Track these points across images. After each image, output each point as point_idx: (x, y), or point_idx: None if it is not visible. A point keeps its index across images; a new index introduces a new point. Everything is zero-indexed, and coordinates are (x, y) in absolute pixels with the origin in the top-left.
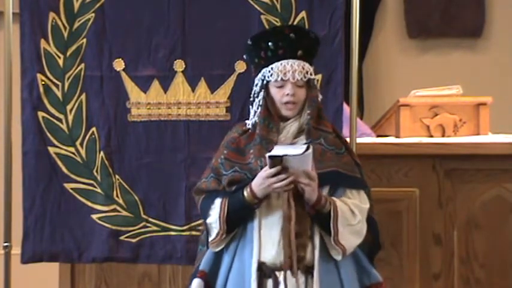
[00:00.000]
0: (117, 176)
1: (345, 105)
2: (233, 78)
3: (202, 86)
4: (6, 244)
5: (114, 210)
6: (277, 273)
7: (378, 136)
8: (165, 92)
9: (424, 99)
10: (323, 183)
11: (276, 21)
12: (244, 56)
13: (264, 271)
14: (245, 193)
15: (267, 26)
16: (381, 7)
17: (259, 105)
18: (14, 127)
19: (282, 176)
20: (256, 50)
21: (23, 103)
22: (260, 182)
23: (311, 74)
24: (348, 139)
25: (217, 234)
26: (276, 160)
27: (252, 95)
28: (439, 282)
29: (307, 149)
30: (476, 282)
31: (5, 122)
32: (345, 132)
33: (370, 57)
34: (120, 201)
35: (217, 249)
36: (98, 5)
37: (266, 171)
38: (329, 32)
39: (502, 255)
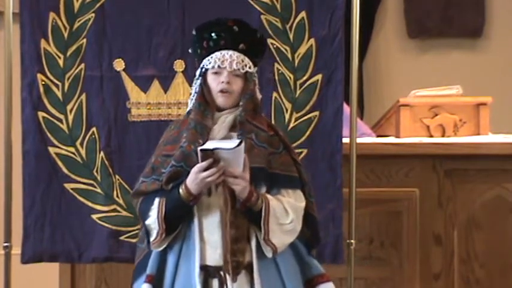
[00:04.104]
0: (117, 176)
1: (345, 105)
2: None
3: None
4: (6, 244)
5: (114, 210)
6: (222, 273)
7: (378, 136)
8: (165, 92)
9: (424, 99)
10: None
11: (276, 21)
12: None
13: (209, 272)
14: (180, 191)
15: (267, 26)
16: (381, 7)
17: (195, 92)
18: (14, 127)
19: (214, 170)
20: (200, 41)
21: (23, 103)
22: (193, 178)
23: (250, 68)
24: (347, 139)
25: (158, 234)
26: (208, 153)
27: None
28: (439, 282)
29: (240, 144)
30: (476, 282)
31: (5, 122)
32: (345, 132)
33: (370, 57)
34: (120, 201)
35: (159, 249)
36: (98, 5)
37: (198, 165)
38: (329, 32)
39: (502, 255)
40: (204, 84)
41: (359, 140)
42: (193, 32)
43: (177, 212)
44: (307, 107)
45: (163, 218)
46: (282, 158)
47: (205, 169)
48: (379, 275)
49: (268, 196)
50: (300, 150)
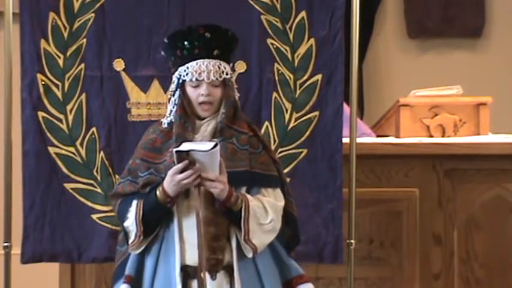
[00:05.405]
0: (117, 176)
1: (345, 105)
2: (233, 78)
3: None
4: (6, 244)
5: None
6: (201, 274)
7: (378, 136)
8: (165, 92)
9: (424, 99)
10: (234, 182)
11: (276, 21)
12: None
13: (189, 272)
14: (158, 192)
15: (267, 26)
16: (381, 7)
17: (175, 104)
18: (14, 127)
19: (189, 172)
20: (173, 49)
21: (23, 103)
22: (170, 180)
23: (227, 74)
24: (347, 139)
25: (136, 236)
26: (183, 155)
27: (170, 93)
28: (439, 282)
29: (215, 146)
30: (476, 282)
31: (5, 122)
32: (345, 132)
33: (370, 57)
34: None
35: (138, 251)
36: (98, 5)
37: (174, 168)
38: (329, 32)
39: (502, 255)
40: (183, 95)
41: (359, 140)
42: (165, 40)
43: (155, 214)
44: (307, 107)
45: (140, 220)
46: (262, 158)
47: (182, 171)
48: (379, 275)
49: (248, 196)
50: (300, 150)
